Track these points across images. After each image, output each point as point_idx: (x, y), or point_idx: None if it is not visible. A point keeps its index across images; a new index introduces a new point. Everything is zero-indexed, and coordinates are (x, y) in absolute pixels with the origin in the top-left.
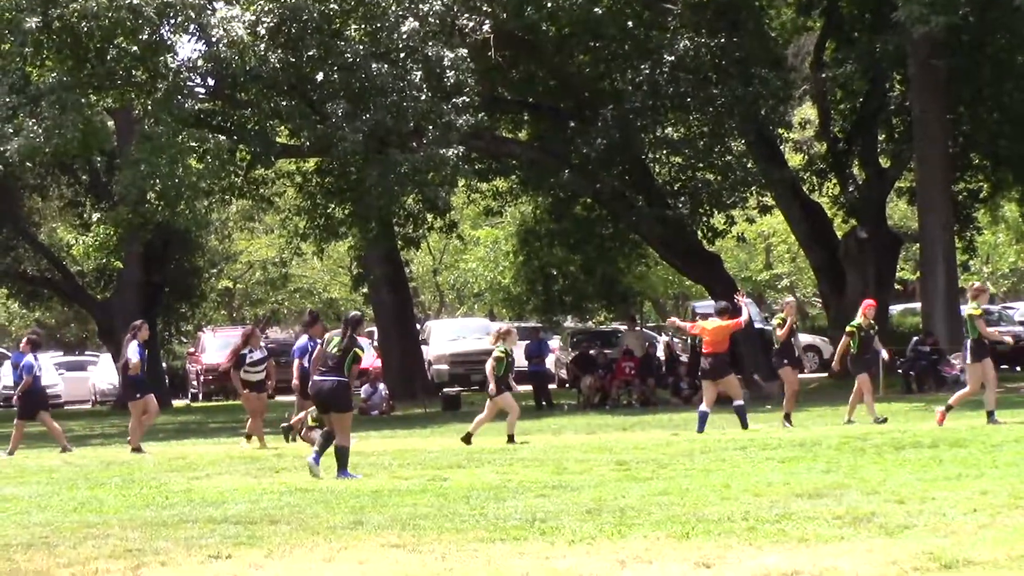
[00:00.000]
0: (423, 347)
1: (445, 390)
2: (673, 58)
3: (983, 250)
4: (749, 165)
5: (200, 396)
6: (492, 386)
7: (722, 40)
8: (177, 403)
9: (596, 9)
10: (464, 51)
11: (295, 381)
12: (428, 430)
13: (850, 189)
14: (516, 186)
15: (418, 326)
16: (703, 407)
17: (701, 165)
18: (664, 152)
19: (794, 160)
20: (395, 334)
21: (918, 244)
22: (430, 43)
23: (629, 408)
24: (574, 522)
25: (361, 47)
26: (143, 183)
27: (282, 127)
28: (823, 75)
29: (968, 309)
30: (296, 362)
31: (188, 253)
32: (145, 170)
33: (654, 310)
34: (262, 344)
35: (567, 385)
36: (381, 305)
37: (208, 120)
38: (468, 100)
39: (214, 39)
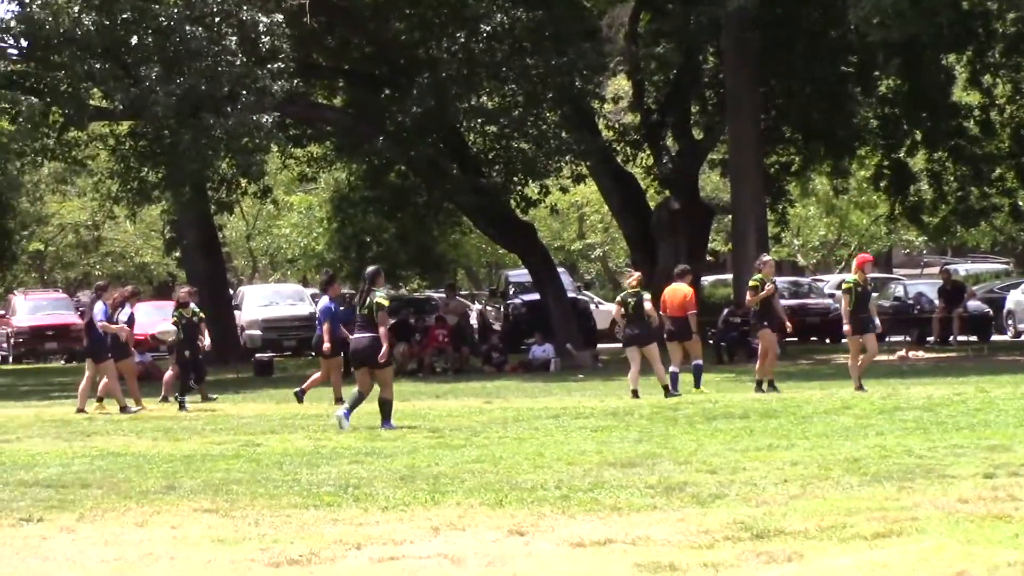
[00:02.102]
0: (236, 312)
1: (257, 355)
2: (489, 27)
3: (794, 223)
4: (563, 135)
5: (10, 359)
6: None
7: (538, 13)
8: None
9: None
10: (279, 16)
11: (326, 344)
12: (240, 395)
13: (663, 160)
14: (331, 152)
15: (231, 291)
16: (672, 368)
17: (516, 134)
18: (479, 121)
19: (608, 132)
20: (208, 299)
21: (730, 216)
22: (245, 7)
23: (443, 375)
24: (387, 489)
25: (175, 10)
26: None
27: (95, 90)
28: (638, 50)
29: None
30: (325, 325)
31: None
32: None
33: (467, 278)
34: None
35: None
36: (194, 270)
37: (21, 82)
38: (283, 66)
39: (27, 0)
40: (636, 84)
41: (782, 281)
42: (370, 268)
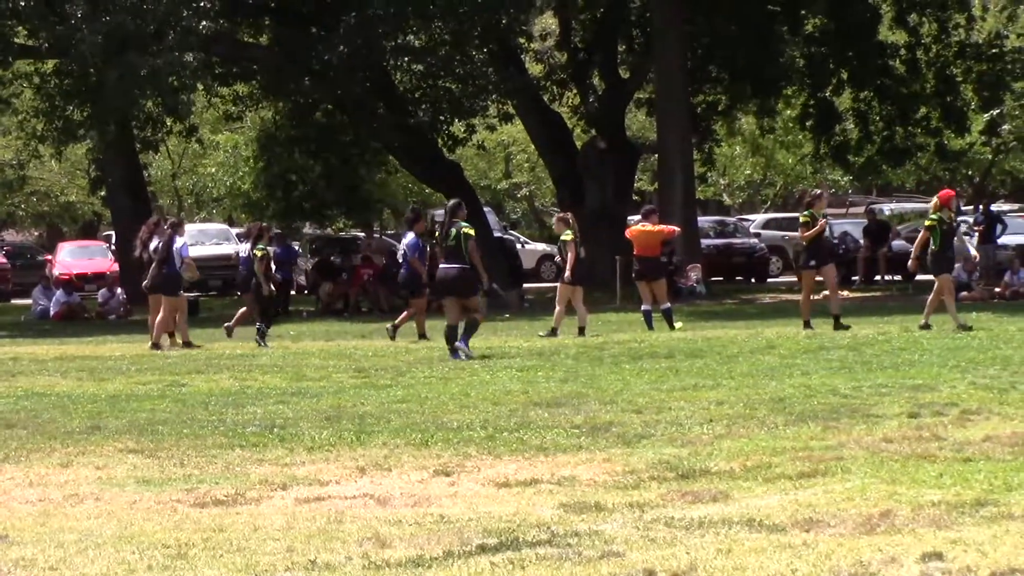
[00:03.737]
0: None
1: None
2: None
3: (720, 162)
4: (490, 73)
5: None
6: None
7: None
8: None
9: None
10: None
11: (424, 277)
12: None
13: (590, 99)
14: (257, 91)
15: None
16: (644, 306)
17: (442, 73)
18: (405, 59)
19: (535, 70)
20: (133, 238)
21: (656, 155)
22: None
23: (368, 315)
24: (313, 429)
25: None
26: None
27: (20, 28)
28: None
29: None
30: (413, 259)
31: None
32: None
33: (393, 217)
34: None
35: (306, 292)
36: (119, 209)
37: None
38: (208, 4)
39: None
40: (563, 22)
41: (707, 220)
42: (451, 201)
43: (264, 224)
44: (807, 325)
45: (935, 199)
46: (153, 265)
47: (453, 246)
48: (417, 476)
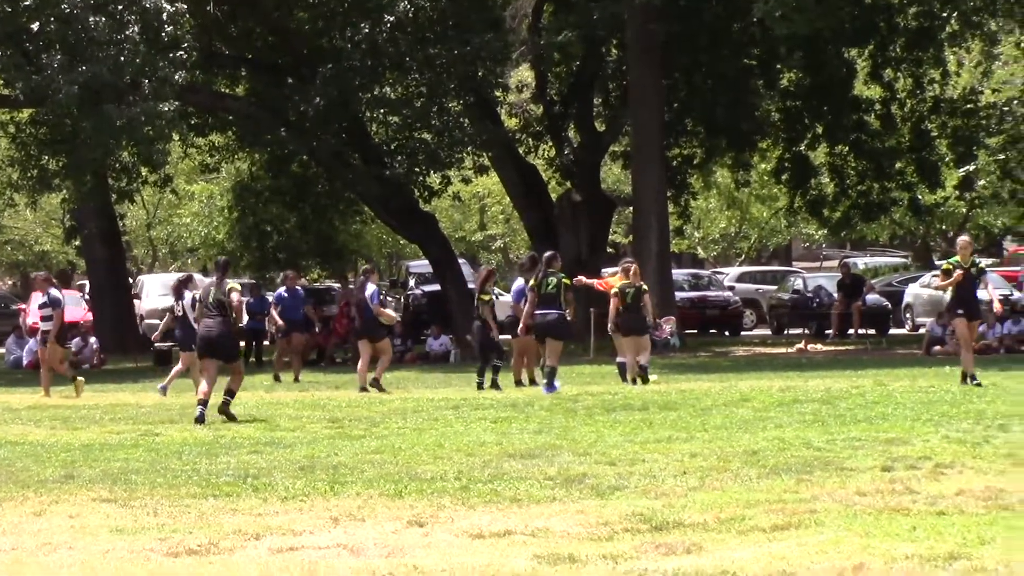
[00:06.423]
0: (136, 301)
1: (157, 345)
2: (393, 18)
3: (695, 215)
4: (466, 125)
5: None
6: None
7: (441, 2)
8: None
9: None
10: (183, 5)
11: (523, 323)
12: (140, 385)
13: (565, 152)
14: (233, 142)
15: (131, 280)
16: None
17: (418, 125)
18: (382, 111)
19: (511, 123)
20: (108, 288)
21: (631, 207)
22: None
23: (343, 366)
24: (287, 479)
25: None
26: None
27: None
28: (540, 41)
29: None
30: (516, 305)
31: None
32: None
33: None
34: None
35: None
36: (94, 259)
37: None
38: (185, 55)
39: None
40: (539, 75)
41: (681, 273)
42: (548, 253)
43: (491, 269)
44: (971, 378)
45: None
46: (354, 312)
47: (553, 293)
48: (391, 526)
